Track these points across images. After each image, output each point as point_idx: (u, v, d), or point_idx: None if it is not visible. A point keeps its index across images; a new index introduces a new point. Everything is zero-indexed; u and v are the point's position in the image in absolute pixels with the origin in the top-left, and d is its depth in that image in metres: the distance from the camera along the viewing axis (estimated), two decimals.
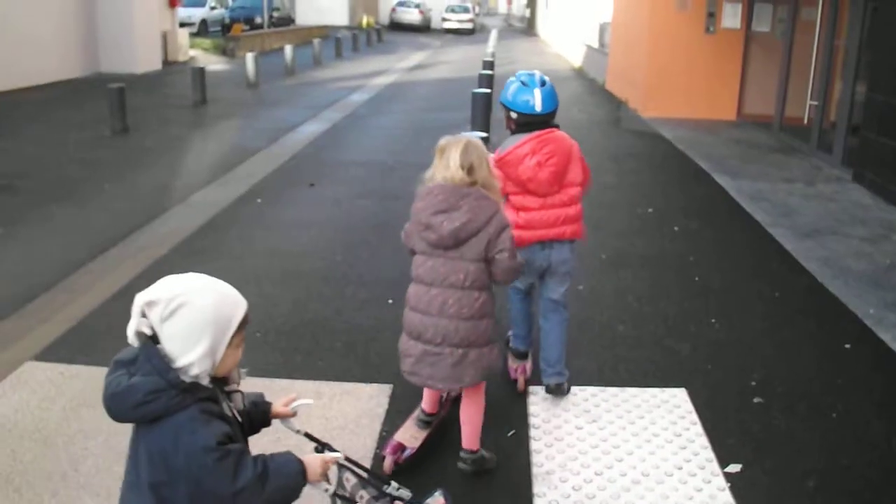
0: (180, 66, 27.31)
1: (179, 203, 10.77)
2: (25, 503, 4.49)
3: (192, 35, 34.01)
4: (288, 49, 27.88)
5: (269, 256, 8.68)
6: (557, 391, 5.73)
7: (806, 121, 14.65)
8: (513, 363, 6.13)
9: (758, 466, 4.98)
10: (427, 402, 5.20)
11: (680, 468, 4.92)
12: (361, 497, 3.37)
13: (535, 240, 5.56)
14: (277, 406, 3.27)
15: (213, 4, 42.61)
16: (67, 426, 5.24)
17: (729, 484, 4.78)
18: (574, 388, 5.87)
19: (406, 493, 3.50)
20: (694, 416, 5.52)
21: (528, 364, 6.11)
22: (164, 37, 27.85)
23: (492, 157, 4.94)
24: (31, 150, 13.84)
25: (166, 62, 27.56)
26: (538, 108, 5.49)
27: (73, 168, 12.64)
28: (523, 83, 5.55)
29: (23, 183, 11.50)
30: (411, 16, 61.88)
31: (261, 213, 10.26)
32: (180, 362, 2.75)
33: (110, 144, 14.64)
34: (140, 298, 2.78)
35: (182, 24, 31.56)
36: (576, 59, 34.40)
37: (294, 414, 3.27)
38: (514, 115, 5.57)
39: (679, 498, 4.63)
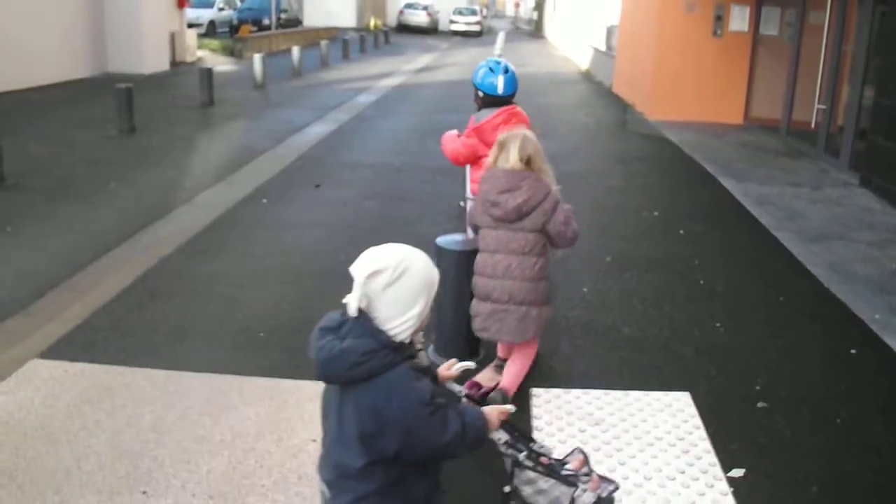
0: (188, 66, 27.34)
1: (185, 203, 10.78)
2: (28, 500, 4.50)
3: (200, 36, 34.02)
4: (295, 50, 27.89)
5: (274, 256, 8.68)
6: None
7: (813, 125, 14.63)
8: None
9: (761, 471, 4.97)
10: (502, 350, 6.10)
11: (683, 472, 4.92)
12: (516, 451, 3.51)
13: None
14: (443, 370, 3.45)
15: (221, 6, 42.63)
16: (71, 424, 5.25)
17: (732, 489, 4.78)
18: (577, 391, 5.88)
19: (549, 450, 3.63)
20: (697, 420, 5.51)
21: None
22: (172, 37, 27.86)
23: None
24: (38, 149, 13.85)
25: (174, 63, 27.56)
26: (500, 90, 6.77)
27: (79, 167, 12.66)
28: (490, 69, 6.85)
29: (30, 182, 11.52)
30: (419, 18, 61.85)
31: (266, 214, 10.27)
32: (393, 324, 2.95)
33: (117, 144, 14.65)
34: (363, 270, 2.94)
35: (190, 25, 31.57)
36: (583, 62, 34.38)
37: (457, 375, 3.49)
38: (481, 94, 6.82)
39: (681, 502, 4.63)
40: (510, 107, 6.78)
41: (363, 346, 2.89)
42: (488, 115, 6.70)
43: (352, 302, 2.93)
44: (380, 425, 2.90)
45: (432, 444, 2.97)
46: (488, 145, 6.23)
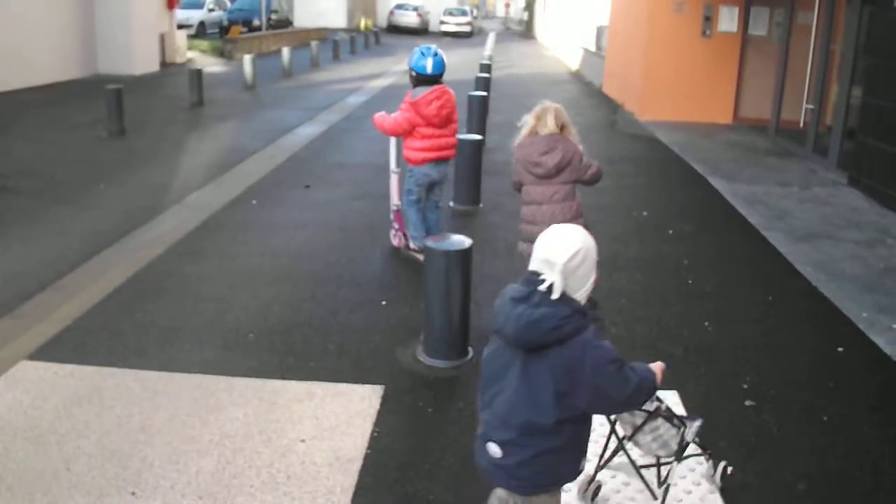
0: (178, 67, 27.32)
1: (175, 204, 10.77)
2: (17, 501, 4.50)
3: (190, 37, 33.99)
4: (285, 51, 27.89)
5: (263, 257, 8.69)
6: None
7: (802, 124, 14.67)
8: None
9: (749, 469, 4.99)
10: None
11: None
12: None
13: (434, 159, 8.45)
14: None
15: (211, 6, 42.56)
16: (60, 425, 5.25)
17: (720, 486, 4.79)
18: None
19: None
20: None
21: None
22: (162, 38, 27.85)
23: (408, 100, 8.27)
24: (27, 150, 13.84)
25: (164, 64, 27.55)
26: (429, 70, 8.33)
27: (69, 168, 12.65)
28: (422, 53, 8.38)
29: (19, 183, 11.50)
30: (409, 19, 61.86)
31: (256, 215, 10.27)
32: (579, 293, 3.45)
33: (107, 145, 14.64)
34: (562, 256, 3.39)
35: (180, 26, 31.53)
36: (573, 62, 34.43)
37: None
38: (414, 74, 8.40)
39: (669, 500, 4.63)
40: (440, 86, 8.35)
41: (560, 312, 3.34)
42: (423, 91, 8.27)
43: (557, 284, 3.36)
44: (573, 383, 3.35)
45: (617, 398, 3.47)
46: (423, 117, 8.25)
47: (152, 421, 5.33)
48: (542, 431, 3.41)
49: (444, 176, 8.72)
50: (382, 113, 8.72)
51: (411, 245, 8.77)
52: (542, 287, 3.38)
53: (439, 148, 8.41)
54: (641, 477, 4.65)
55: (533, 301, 3.39)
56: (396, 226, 9.07)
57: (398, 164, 9.00)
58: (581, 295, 3.44)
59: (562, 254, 3.40)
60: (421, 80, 8.33)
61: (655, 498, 4.58)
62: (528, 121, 6.83)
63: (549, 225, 5.22)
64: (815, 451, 5.26)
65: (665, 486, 4.49)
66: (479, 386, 3.65)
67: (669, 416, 4.40)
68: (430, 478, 4.82)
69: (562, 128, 6.74)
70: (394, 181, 9.08)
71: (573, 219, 6.47)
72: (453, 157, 8.82)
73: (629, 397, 3.48)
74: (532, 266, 3.50)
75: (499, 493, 3.87)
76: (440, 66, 8.36)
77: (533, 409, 3.40)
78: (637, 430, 4.44)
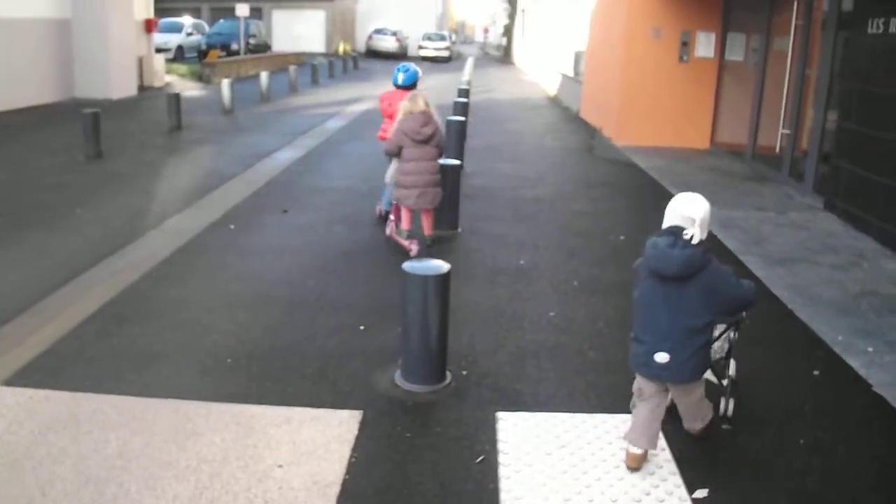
0: (156, 91, 27.32)
1: (153, 228, 10.75)
2: None
3: (169, 61, 34.02)
4: (264, 76, 27.91)
5: (241, 282, 8.67)
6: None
7: (778, 149, 14.80)
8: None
9: (725, 492, 5.00)
10: (406, 222, 9.84)
11: (648, 494, 4.94)
12: None
13: None
14: None
15: (189, 31, 42.62)
16: (36, 450, 5.21)
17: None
18: (544, 415, 5.90)
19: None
20: (663, 443, 5.52)
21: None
22: (140, 62, 27.86)
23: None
24: (3, 174, 13.79)
25: (142, 88, 27.55)
26: (399, 82, 10.90)
27: (46, 193, 12.61)
28: (398, 69, 11.04)
29: None
30: (388, 43, 62.10)
31: (234, 240, 10.26)
32: (703, 236, 5.09)
33: (84, 169, 14.61)
34: (701, 212, 5.11)
35: (158, 50, 31.52)
36: (551, 87, 34.59)
37: None
38: (393, 84, 11.00)
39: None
40: (412, 90, 10.29)
41: (700, 250, 5.00)
42: (394, 94, 10.79)
43: (697, 233, 5.02)
44: (713, 294, 5.05)
45: (738, 302, 5.26)
46: (383, 112, 11.03)
47: (129, 446, 5.30)
48: (696, 332, 5.06)
49: None
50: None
51: (395, 233, 10.31)
52: (686, 236, 5.00)
53: None
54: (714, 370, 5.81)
55: (679, 246, 4.98)
56: (392, 217, 10.48)
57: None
58: (704, 238, 5.07)
59: (699, 212, 5.07)
60: (397, 87, 10.89)
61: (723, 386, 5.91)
62: (405, 105, 9.55)
63: (423, 175, 9.50)
64: (791, 474, 5.28)
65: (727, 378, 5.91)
66: (636, 318, 5.30)
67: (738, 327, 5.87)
68: (409, 503, 4.82)
69: (426, 109, 9.45)
70: (391, 168, 10.50)
71: (438, 173, 9.72)
72: None
73: (744, 302, 5.28)
74: (673, 222, 5.09)
75: (651, 393, 5.31)
76: (410, 78, 10.89)
77: (690, 317, 5.04)
78: (722, 333, 5.77)
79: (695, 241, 4.95)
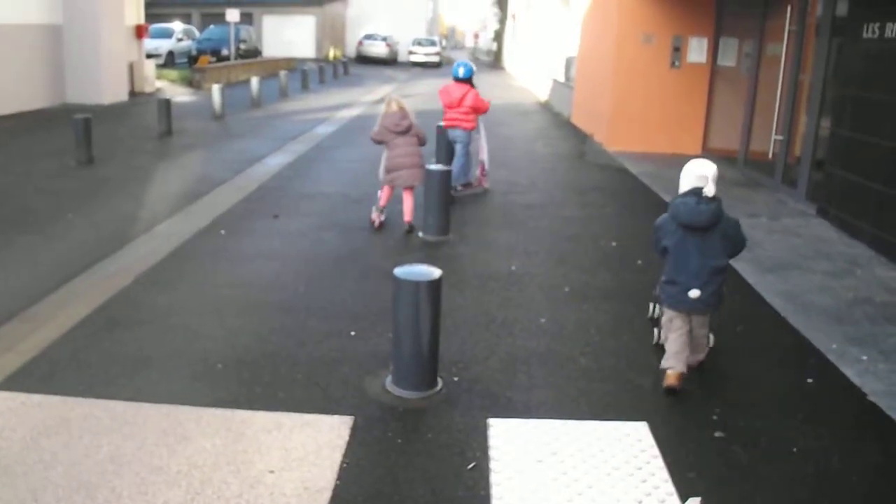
0: (147, 97, 27.31)
1: (143, 234, 10.73)
2: None
3: (159, 66, 34.03)
4: (254, 81, 27.89)
5: (231, 288, 8.65)
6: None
7: (771, 155, 14.82)
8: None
9: (717, 501, 4.99)
10: (384, 200, 11.46)
11: (640, 502, 4.93)
12: None
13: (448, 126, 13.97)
14: None
15: (180, 36, 42.64)
16: (27, 456, 5.19)
17: None
18: (534, 421, 5.89)
19: None
20: (654, 450, 5.52)
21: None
22: (131, 68, 27.83)
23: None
24: None
25: (133, 93, 27.53)
26: (459, 75, 13.70)
27: (37, 198, 12.59)
28: (457, 65, 13.95)
29: None
30: (378, 49, 62.14)
31: (224, 245, 10.24)
32: (714, 192, 6.46)
33: (75, 175, 14.58)
34: (712, 170, 6.56)
35: (149, 56, 31.52)
36: (542, 92, 34.64)
37: None
38: (453, 77, 13.83)
39: None
40: (463, 82, 13.74)
41: (719, 204, 6.42)
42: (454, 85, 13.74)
43: (712, 189, 6.44)
44: (729, 240, 6.51)
45: (741, 246, 6.66)
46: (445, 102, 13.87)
47: (121, 451, 5.28)
48: (720, 271, 6.52)
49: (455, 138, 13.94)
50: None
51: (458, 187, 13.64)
52: (706, 193, 6.43)
53: (451, 119, 13.88)
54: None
55: (704, 202, 6.41)
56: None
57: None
58: (715, 193, 6.49)
59: (711, 170, 6.55)
60: (455, 80, 13.82)
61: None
62: (383, 108, 11.49)
63: (409, 158, 11.14)
64: (784, 482, 5.27)
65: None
66: (670, 264, 6.66)
67: None
68: None
69: (400, 108, 11.27)
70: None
71: (421, 156, 11.36)
72: (466, 128, 13.82)
73: (742, 246, 6.70)
74: (692, 184, 6.51)
75: (681, 324, 6.65)
76: (467, 73, 13.75)
77: (715, 258, 6.48)
78: None
79: (711, 195, 6.44)
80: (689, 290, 6.49)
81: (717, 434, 5.84)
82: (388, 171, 11.23)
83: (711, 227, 6.39)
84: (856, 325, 8.22)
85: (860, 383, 6.83)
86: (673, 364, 6.47)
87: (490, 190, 14.19)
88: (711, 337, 7.09)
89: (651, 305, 7.97)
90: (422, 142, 11.34)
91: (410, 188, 11.27)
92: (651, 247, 7.06)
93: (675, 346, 6.54)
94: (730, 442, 5.75)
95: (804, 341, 7.76)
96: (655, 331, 7.37)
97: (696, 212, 6.37)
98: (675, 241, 6.55)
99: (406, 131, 11.16)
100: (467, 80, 13.61)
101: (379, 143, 11.41)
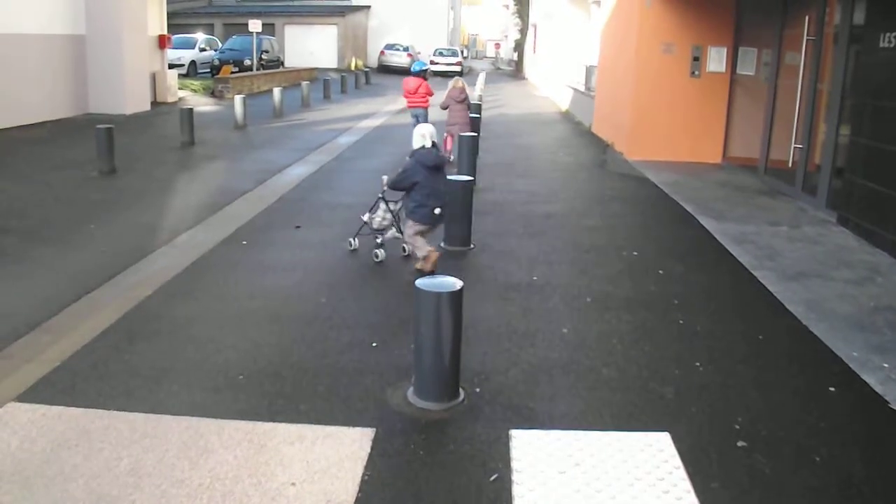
0: (169, 107, 27.41)
1: (165, 244, 10.76)
2: None
3: (182, 76, 34.14)
4: (276, 91, 27.97)
5: (253, 299, 8.66)
6: None
7: (791, 164, 14.75)
8: None
9: None
10: (449, 144, 17.94)
11: None
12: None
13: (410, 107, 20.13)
14: None
15: (202, 46, 42.75)
16: (48, 468, 5.20)
17: None
18: (557, 433, 5.87)
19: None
20: (677, 461, 5.50)
21: None
22: (154, 78, 27.96)
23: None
24: (17, 189, 13.85)
25: (155, 103, 27.63)
26: (415, 70, 20.26)
27: (59, 208, 12.65)
28: (414, 64, 21.51)
29: (8, 222, 11.50)
30: (400, 59, 62.13)
31: (246, 256, 10.26)
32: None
33: (97, 185, 14.65)
34: (430, 130, 9.63)
35: (171, 66, 31.62)
36: (563, 102, 34.60)
37: None
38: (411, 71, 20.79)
39: None
40: (420, 77, 19.60)
41: (442, 152, 9.90)
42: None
43: (431, 143, 9.55)
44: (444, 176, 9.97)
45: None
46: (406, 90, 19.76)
47: (141, 464, 5.29)
48: (445, 196, 9.50)
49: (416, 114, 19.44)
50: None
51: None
52: (430, 145, 9.36)
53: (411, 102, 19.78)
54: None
55: (435, 149, 9.31)
56: None
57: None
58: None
59: (431, 129, 9.50)
60: (412, 74, 19.62)
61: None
62: (450, 84, 18.00)
63: (459, 119, 17.74)
64: (807, 491, 5.24)
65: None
66: (420, 192, 9.28)
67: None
68: None
69: (462, 90, 17.55)
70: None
71: (468, 117, 17.52)
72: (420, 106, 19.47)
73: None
74: (424, 141, 9.34)
75: (425, 233, 9.57)
76: (420, 66, 20.05)
77: (444, 187, 9.51)
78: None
79: (430, 146, 9.50)
80: (435, 209, 9.42)
81: (739, 444, 5.81)
82: (448, 125, 17.81)
83: (443, 166, 9.61)
84: (878, 332, 8.17)
85: (882, 391, 6.79)
86: (427, 253, 9.43)
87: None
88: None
89: (353, 240, 10.66)
90: (470, 109, 18.17)
91: (455, 135, 16.75)
92: (402, 184, 9.53)
93: (425, 246, 9.50)
94: (752, 451, 5.72)
95: (826, 349, 7.72)
96: (404, 246, 10.22)
97: (433, 157, 9.40)
98: (423, 178, 9.32)
99: (462, 101, 17.93)
100: (420, 74, 19.83)
101: (444, 108, 18.09)
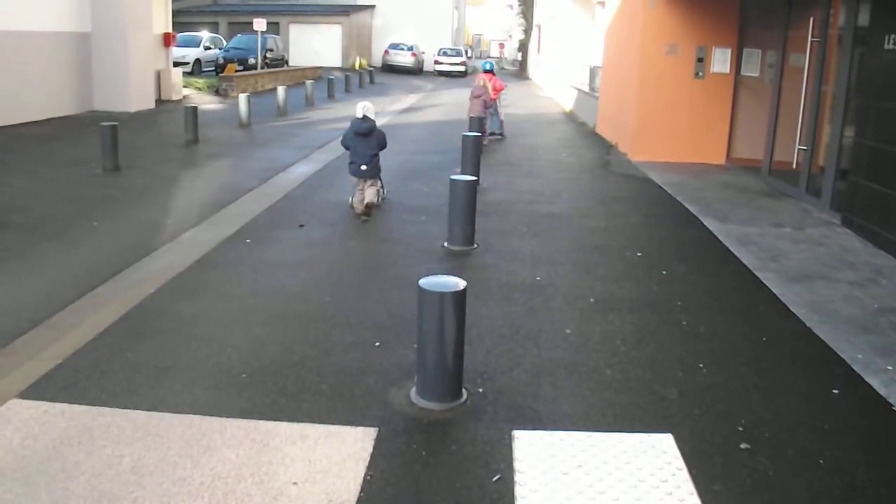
0: (174, 104, 27.43)
1: (169, 242, 10.76)
2: None
3: (186, 74, 34.15)
4: (281, 90, 27.99)
5: (256, 297, 8.66)
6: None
7: (795, 165, 14.74)
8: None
9: None
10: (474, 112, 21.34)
11: None
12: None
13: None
14: None
15: (207, 44, 42.76)
16: (50, 465, 5.20)
17: None
18: (560, 434, 5.86)
19: None
20: (680, 462, 5.49)
21: None
22: (158, 76, 27.98)
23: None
24: (21, 185, 13.85)
25: (160, 101, 27.66)
26: (486, 67, 23.43)
27: (62, 204, 12.65)
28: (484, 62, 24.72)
29: (13, 218, 11.51)
30: (404, 58, 62.18)
31: (250, 254, 10.25)
32: (372, 116, 12.59)
33: (101, 182, 14.66)
34: (369, 109, 12.76)
35: (176, 64, 31.67)
36: (567, 102, 34.58)
37: None
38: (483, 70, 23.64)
39: None
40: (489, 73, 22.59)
41: (374, 123, 12.61)
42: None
43: (372, 115, 12.58)
44: (379, 140, 12.57)
45: (385, 144, 12.84)
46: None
47: (143, 462, 5.28)
48: (374, 156, 12.27)
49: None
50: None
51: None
52: (362, 117, 12.29)
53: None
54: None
55: (365, 121, 12.27)
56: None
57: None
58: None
59: (368, 105, 12.52)
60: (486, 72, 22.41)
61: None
62: (477, 82, 21.27)
63: (477, 108, 20.55)
64: (810, 494, 5.23)
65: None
66: (351, 153, 12.33)
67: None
68: None
69: (484, 84, 21.00)
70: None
71: (484, 105, 20.72)
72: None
73: (385, 145, 12.71)
74: (359, 113, 12.31)
75: (358, 184, 12.37)
76: (488, 65, 23.34)
77: (371, 150, 12.26)
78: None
79: (368, 117, 12.20)
80: (361, 166, 12.11)
81: (742, 446, 5.80)
82: (469, 111, 20.43)
83: (369, 133, 12.20)
84: (882, 334, 8.15)
85: (886, 394, 6.78)
86: (356, 204, 12.24)
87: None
88: (383, 191, 13.11)
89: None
90: (487, 103, 20.98)
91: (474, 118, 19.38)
92: (343, 143, 12.61)
93: (358, 197, 12.25)
94: (755, 453, 5.70)
95: (829, 351, 7.70)
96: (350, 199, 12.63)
97: (361, 126, 12.16)
98: (351, 141, 12.24)
99: (478, 97, 20.60)
100: (490, 71, 23.27)
101: (470, 99, 20.94)
